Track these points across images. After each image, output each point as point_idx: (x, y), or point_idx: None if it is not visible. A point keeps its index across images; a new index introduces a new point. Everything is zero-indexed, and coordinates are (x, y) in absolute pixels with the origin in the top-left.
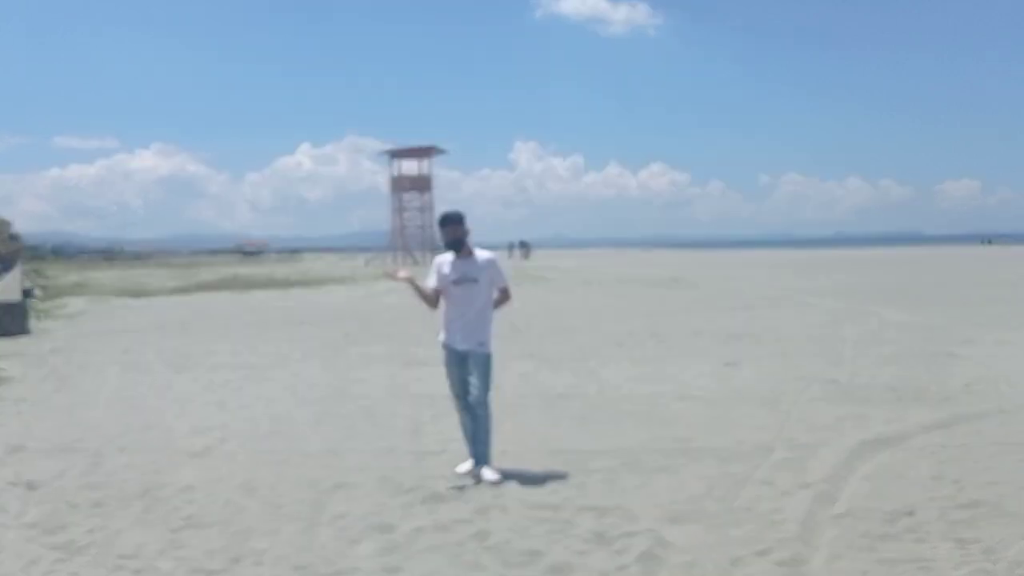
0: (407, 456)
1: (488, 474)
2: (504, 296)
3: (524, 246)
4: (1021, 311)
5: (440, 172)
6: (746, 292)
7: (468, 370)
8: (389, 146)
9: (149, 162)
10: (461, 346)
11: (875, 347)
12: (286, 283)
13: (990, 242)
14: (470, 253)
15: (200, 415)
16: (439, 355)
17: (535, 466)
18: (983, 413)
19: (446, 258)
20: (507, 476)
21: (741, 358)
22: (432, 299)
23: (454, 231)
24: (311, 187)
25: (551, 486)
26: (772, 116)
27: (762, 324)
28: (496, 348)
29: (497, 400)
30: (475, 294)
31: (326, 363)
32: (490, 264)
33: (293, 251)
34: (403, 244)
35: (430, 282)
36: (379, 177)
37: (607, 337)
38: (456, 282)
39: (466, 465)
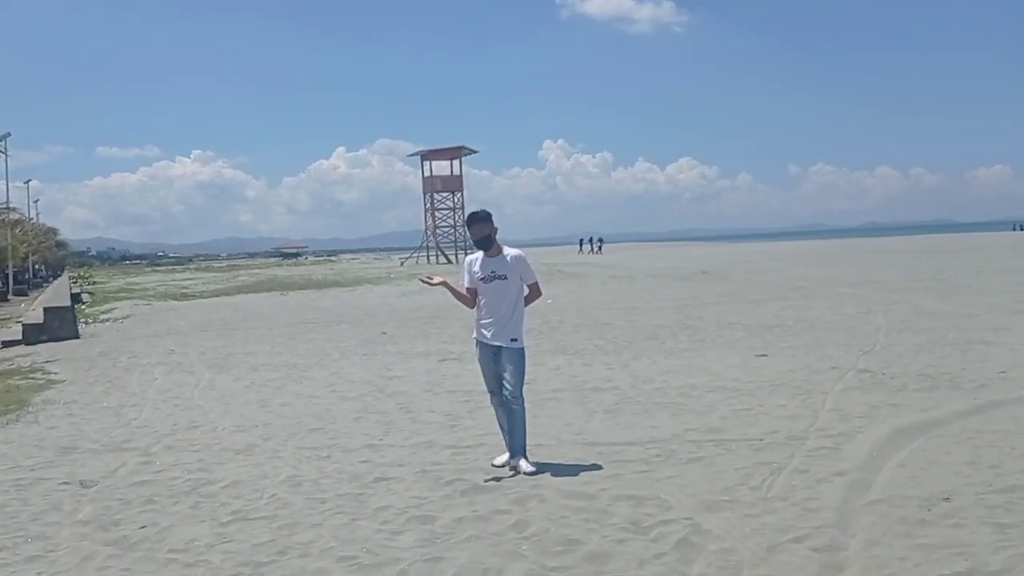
0: (445, 450)
1: (525, 465)
2: (535, 292)
3: (600, 242)
4: None
5: (470, 172)
6: (777, 283)
7: (502, 366)
8: (420, 148)
9: (189, 169)
10: (494, 342)
11: (908, 336)
12: (323, 284)
13: (1021, 228)
14: (499, 251)
15: (243, 413)
16: (473, 351)
17: (570, 458)
18: (1018, 399)
19: (476, 257)
20: (543, 467)
21: (773, 349)
22: (468, 299)
23: (481, 229)
24: (346, 190)
25: (586, 476)
26: (800, 108)
27: (794, 315)
28: (529, 343)
29: (531, 394)
30: (505, 291)
31: (364, 361)
32: (519, 261)
33: (330, 253)
34: (436, 243)
35: (463, 282)
36: (411, 178)
37: (639, 330)
38: (486, 280)
39: (503, 458)
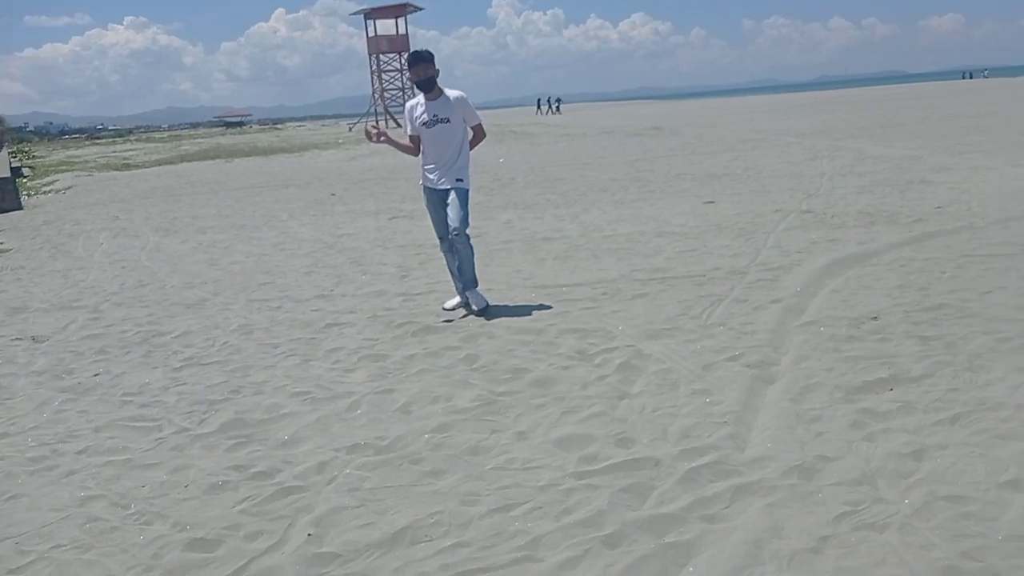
0: (396, 297)
1: (476, 298)
2: (479, 134)
3: (558, 101)
4: (996, 138)
5: (417, 32)
6: (728, 136)
7: (446, 205)
8: (363, 6)
9: (123, 36)
10: (440, 186)
11: (851, 179)
12: (269, 150)
13: (971, 76)
14: (440, 94)
15: (192, 272)
16: (423, 202)
17: (520, 299)
18: (953, 230)
19: (416, 101)
20: (494, 308)
21: (721, 196)
22: (412, 148)
23: (425, 70)
24: (288, 54)
25: (535, 315)
26: None
27: (742, 164)
28: (481, 199)
29: (481, 246)
30: (449, 134)
31: (313, 221)
32: (461, 102)
33: (275, 121)
34: (385, 107)
35: (406, 129)
36: (356, 40)
37: (590, 184)
38: (428, 124)
39: (453, 301)
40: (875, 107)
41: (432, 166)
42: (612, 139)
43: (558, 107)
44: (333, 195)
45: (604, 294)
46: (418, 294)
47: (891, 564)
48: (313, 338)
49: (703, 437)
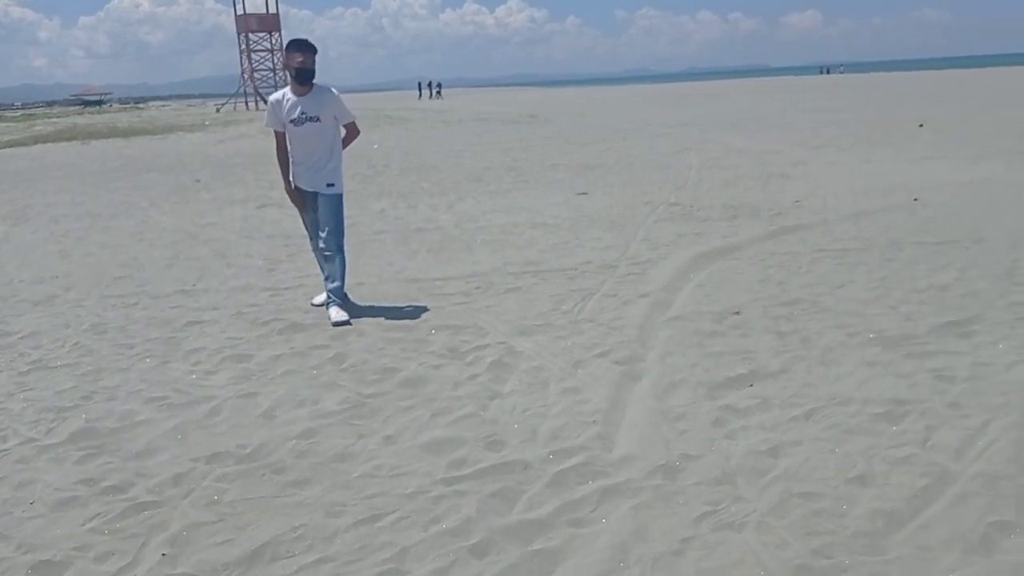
0: (263, 293)
1: (336, 314)
2: (352, 132)
3: (439, 86)
4: (850, 133)
5: (288, 11)
6: (601, 126)
7: (319, 213)
8: None
9: None
10: (309, 188)
11: (717, 172)
12: (130, 132)
13: (827, 71)
14: (310, 88)
15: (42, 265)
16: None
17: (391, 294)
18: (809, 224)
19: (282, 96)
20: (364, 304)
21: (593, 187)
22: (284, 149)
23: (307, 60)
24: (151, 30)
25: (407, 310)
26: None
27: (614, 155)
28: (354, 187)
29: (354, 236)
30: (319, 133)
31: (176, 209)
32: (333, 100)
33: (138, 100)
34: (255, 88)
35: (271, 125)
36: (224, 17)
37: (465, 173)
38: (297, 121)
39: (321, 297)
40: (739, 100)
41: (301, 167)
42: (488, 126)
43: (439, 92)
44: (198, 181)
45: (477, 288)
46: (286, 288)
47: (748, 564)
48: (172, 337)
49: (572, 438)
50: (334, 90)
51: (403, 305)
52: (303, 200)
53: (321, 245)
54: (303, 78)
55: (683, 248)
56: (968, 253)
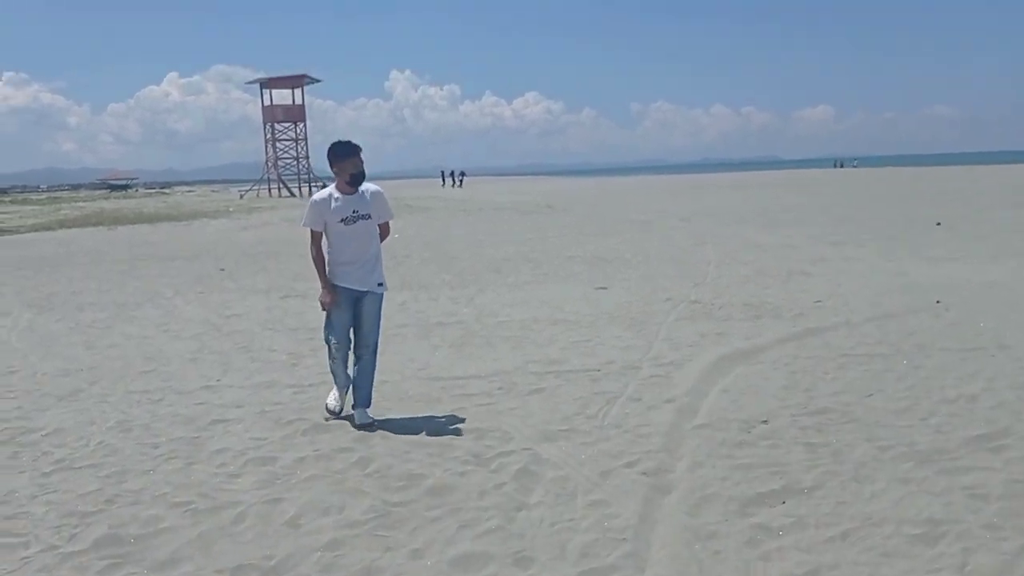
0: (286, 390)
1: (360, 416)
2: (386, 231)
3: (461, 175)
4: (866, 230)
5: (314, 101)
6: (617, 217)
7: (362, 313)
8: (260, 75)
9: (1, 93)
10: (360, 287)
11: (736, 267)
12: (156, 217)
13: (841, 165)
14: (357, 188)
15: (67, 356)
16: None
17: (414, 392)
18: (832, 326)
19: (329, 195)
20: (386, 403)
21: (612, 281)
22: (320, 255)
23: (356, 164)
24: (180, 118)
25: (431, 411)
26: (640, 46)
27: (631, 247)
28: None
29: None
30: (371, 231)
31: (201, 298)
32: (380, 197)
33: (163, 185)
34: (278, 176)
35: (313, 225)
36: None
37: (485, 264)
38: (348, 220)
39: (334, 402)
40: (754, 193)
41: (352, 266)
42: (506, 216)
43: (462, 180)
44: (222, 270)
45: (500, 388)
46: (309, 385)
47: None
48: (197, 437)
49: (603, 556)
50: (380, 188)
51: (426, 405)
52: (339, 300)
53: (363, 343)
54: (358, 181)
55: (706, 349)
56: (994, 361)
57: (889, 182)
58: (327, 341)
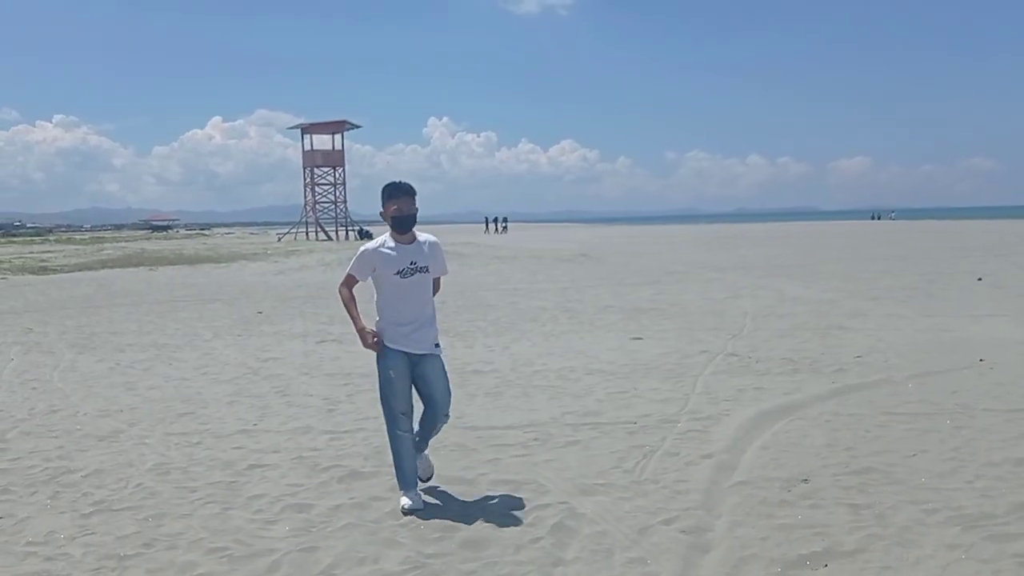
0: (322, 436)
1: (425, 464)
2: (437, 286)
3: (504, 221)
4: (906, 285)
5: (352, 146)
6: (652, 267)
7: (425, 378)
8: (300, 120)
9: (51, 134)
10: (418, 350)
11: (773, 320)
12: (196, 259)
13: (878, 217)
14: (413, 237)
15: (107, 397)
16: (379, 363)
17: (451, 442)
18: (873, 383)
19: (383, 244)
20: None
21: (648, 332)
22: (352, 302)
23: (410, 205)
24: (221, 161)
25: (465, 461)
26: (676, 95)
27: (667, 298)
28: None
29: None
30: (426, 286)
31: (238, 342)
32: (437, 249)
33: (203, 226)
34: (316, 219)
35: (360, 275)
36: (291, 151)
37: (520, 312)
38: (405, 273)
39: (408, 501)
40: (791, 244)
41: (408, 326)
42: (542, 264)
43: (505, 227)
44: (260, 313)
45: (536, 439)
46: (345, 432)
47: None
48: (234, 482)
49: None
50: (436, 238)
51: (462, 455)
52: (396, 366)
53: (439, 411)
54: (402, 226)
55: (744, 404)
56: None
57: (928, 235)
58: (388, 417)
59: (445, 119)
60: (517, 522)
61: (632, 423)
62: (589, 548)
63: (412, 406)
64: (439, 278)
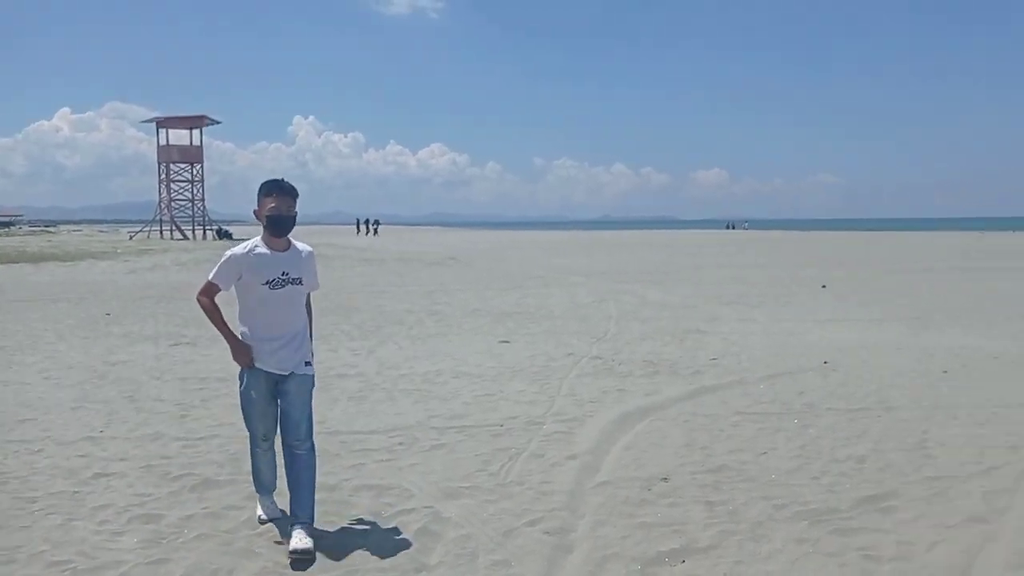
0: (174, 442)
1: (300, 540)
2: (309, 300)
3: (376, 223)
4: (759, 291)
5: (213, 143)
6: (520, 272)
7: (288, 399)
8: (156, 114)
9: None
10: (282, 369)
11: (635, 324)
12: (40, 257)
13: (733, 227)
14: (289, 244)
15: None
16: (240, 384)
17: None
18: (727, 384)
19: (252, 250)
20: (280, 458)
21: (515, 335)
22: (214, 310)
23: (290, 206)
24: (70, 154)
25: (328, 467)
26: (545, 102)
27: (534, 302)
28: None
29: None
30: (296, 299)
31: (84, 344)
32: (312, 260)
33: (48, 223)
34: (171, 218)
35: (222, 284)
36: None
37: (386, 315)
38: (275, 284)
39: (264, 511)
40: (653, 251)
41: (274, 343)
42: (409, 267)
43: (376, 229)
44: (108, 315)
45: (401, 444)
46: (199, 439)
47: None
48: (77, 491)
49: None
50: (311, 249)
51: (324, 461)
52: (258, 386)
53: (295, 437)
54: (278, 227)
55: (608, 406)
56: (880, 422)
57: (778, 245)
58: (250, 434)
59: (311, 118)
60: (380, 528)
61: (498, 426)
62: (453, 552)
63: (275, 428)
64: (309, 294)
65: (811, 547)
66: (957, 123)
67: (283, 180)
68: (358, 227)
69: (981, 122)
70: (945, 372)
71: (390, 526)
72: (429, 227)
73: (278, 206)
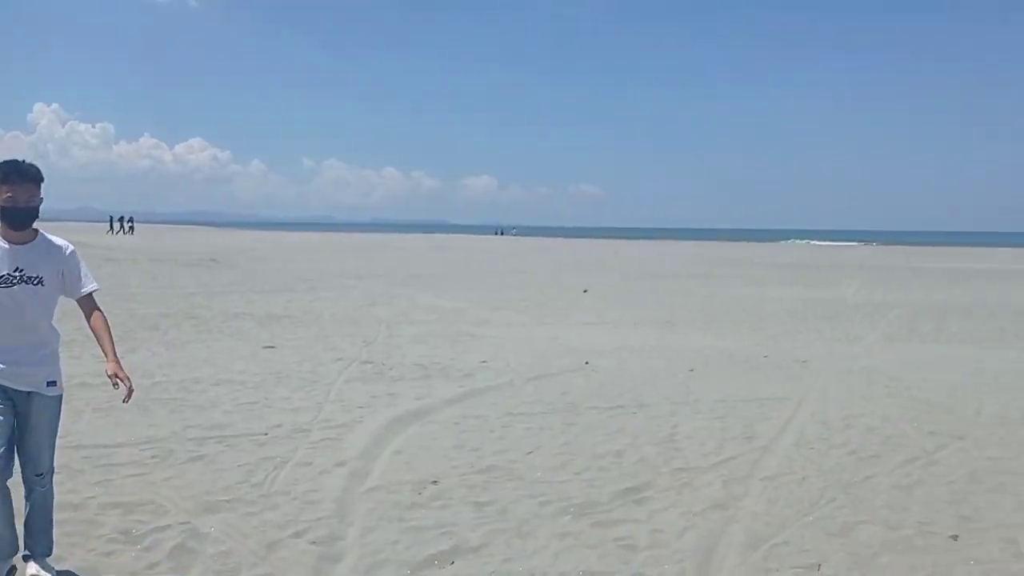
0: None
1: (47, 568)
2: (93, 308)
3: (130, 221)
4: (525, 296)
5: None
6: (286, 273)
7: (28, 423)
8: None
9: None
10: (16, 385)
11: (406, 327)
12: None
13: (502, 233)
14: (35, 236)
15: None
16: None
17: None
18: (497, 386)
19: None
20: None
21: (281, 340)
22: None
23: (30, 193)
24: None
25: (70, 484)
26: (312, 103)
27: (302, 305)
28: None
29: None
30: (42, 303)
31: None
32: (66, 257)
33: None
34: None
35: None
36: None
37: (139, 320)
38: (6, 281)
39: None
40: (423, 255)
41: (6, 352)
42: (165, 268)
43: (131, 227)
44: None
45: (154, 457)
46: None
47: None
48: None
49: None
50: (71, 246)
51: (67, 478)
52: None
53: (29, 468)
54: (15, 219)
55: (378, 411)
56: (635, 419)
57: (542, 251)
58: None
59: (55, 106)
60: (131, 548)
61: (263, 434)
62: (213, 569)
63: (13, 444)
64: (91, 298)
65: (574, 540)
66: (703, 137)
67: (22, 161)
68: (111, 225)
69: (727, 135)
70: (691, 370)
71: (142, 545)
72: (191, 226)
73: (15, 194)
